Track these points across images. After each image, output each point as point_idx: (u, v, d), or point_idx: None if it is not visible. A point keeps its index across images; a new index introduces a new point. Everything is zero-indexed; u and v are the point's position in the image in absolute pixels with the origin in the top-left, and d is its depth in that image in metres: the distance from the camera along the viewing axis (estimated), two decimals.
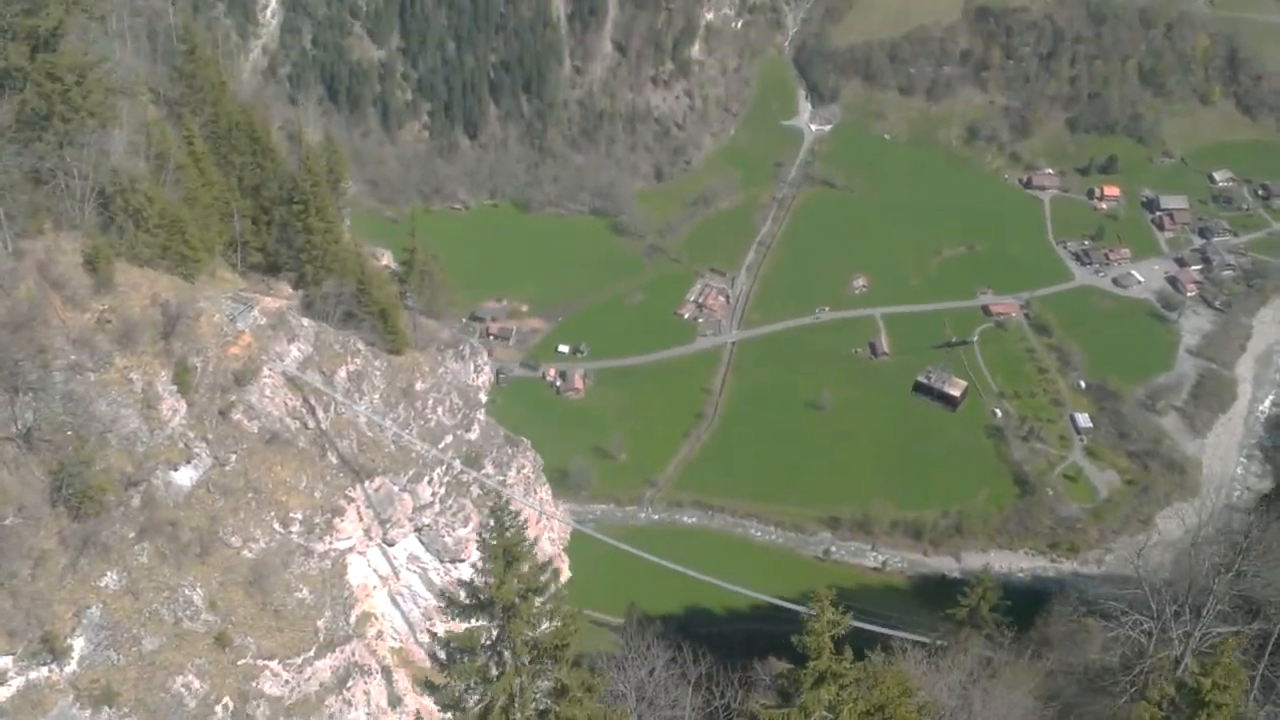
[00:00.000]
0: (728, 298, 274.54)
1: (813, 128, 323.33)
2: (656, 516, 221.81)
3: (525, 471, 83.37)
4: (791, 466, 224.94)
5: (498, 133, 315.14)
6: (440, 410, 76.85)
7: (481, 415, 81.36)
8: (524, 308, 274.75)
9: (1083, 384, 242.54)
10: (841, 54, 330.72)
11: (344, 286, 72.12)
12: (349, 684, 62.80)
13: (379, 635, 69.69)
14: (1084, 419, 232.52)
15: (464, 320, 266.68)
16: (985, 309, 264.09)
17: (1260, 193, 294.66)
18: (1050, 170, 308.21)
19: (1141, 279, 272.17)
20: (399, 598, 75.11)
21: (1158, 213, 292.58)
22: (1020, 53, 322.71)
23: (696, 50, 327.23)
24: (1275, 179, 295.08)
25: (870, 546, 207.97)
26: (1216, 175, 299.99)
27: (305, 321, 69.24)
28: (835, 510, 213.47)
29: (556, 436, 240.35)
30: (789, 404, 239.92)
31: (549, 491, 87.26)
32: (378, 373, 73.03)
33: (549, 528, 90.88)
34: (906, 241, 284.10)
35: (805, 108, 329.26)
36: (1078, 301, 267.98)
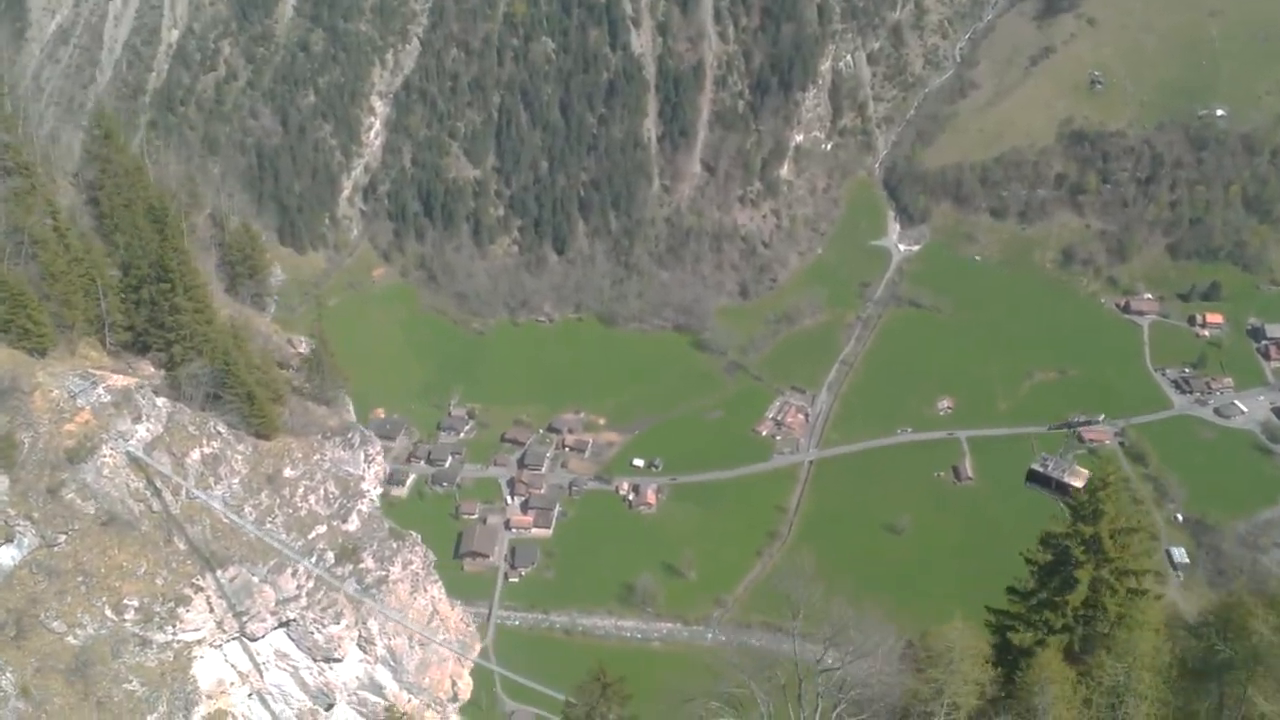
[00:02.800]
0: (807, 416, 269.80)
1: (901, 248, 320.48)
2: (724, 637, 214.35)
3: (413, 568, 78.08)
4: (866, 588, 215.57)
5: (585, 248, 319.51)
6: (313, 499, 72.39)
7: (364, 506, 77.04)
8: (601, 420, 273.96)
9: (1180, 517, 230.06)
10: (932, 175, 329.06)
11: (208, 367, 68.71)
12: None
13: None
14: (1180, 553, 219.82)
15: (540, 431, 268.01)
16: (1079, 436, 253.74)
17: None
18: (1149, 295, 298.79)
19: (1245, 409, 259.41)
20: (268, 697, 71.18)
21: (1263, 341, 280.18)
22: (1117, 177, 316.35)
23: (785, 171, 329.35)
24: None
25: None
26: None
27: (158, 401, 66.09)
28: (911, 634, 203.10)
29: (626, 551, 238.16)
30: (866, 526, 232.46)
31: (442, 590, 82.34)
32: (239, 457, 69.05)
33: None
34: (995, 364, 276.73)
35: (894, 228, 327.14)
36: (1176, 431, 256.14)
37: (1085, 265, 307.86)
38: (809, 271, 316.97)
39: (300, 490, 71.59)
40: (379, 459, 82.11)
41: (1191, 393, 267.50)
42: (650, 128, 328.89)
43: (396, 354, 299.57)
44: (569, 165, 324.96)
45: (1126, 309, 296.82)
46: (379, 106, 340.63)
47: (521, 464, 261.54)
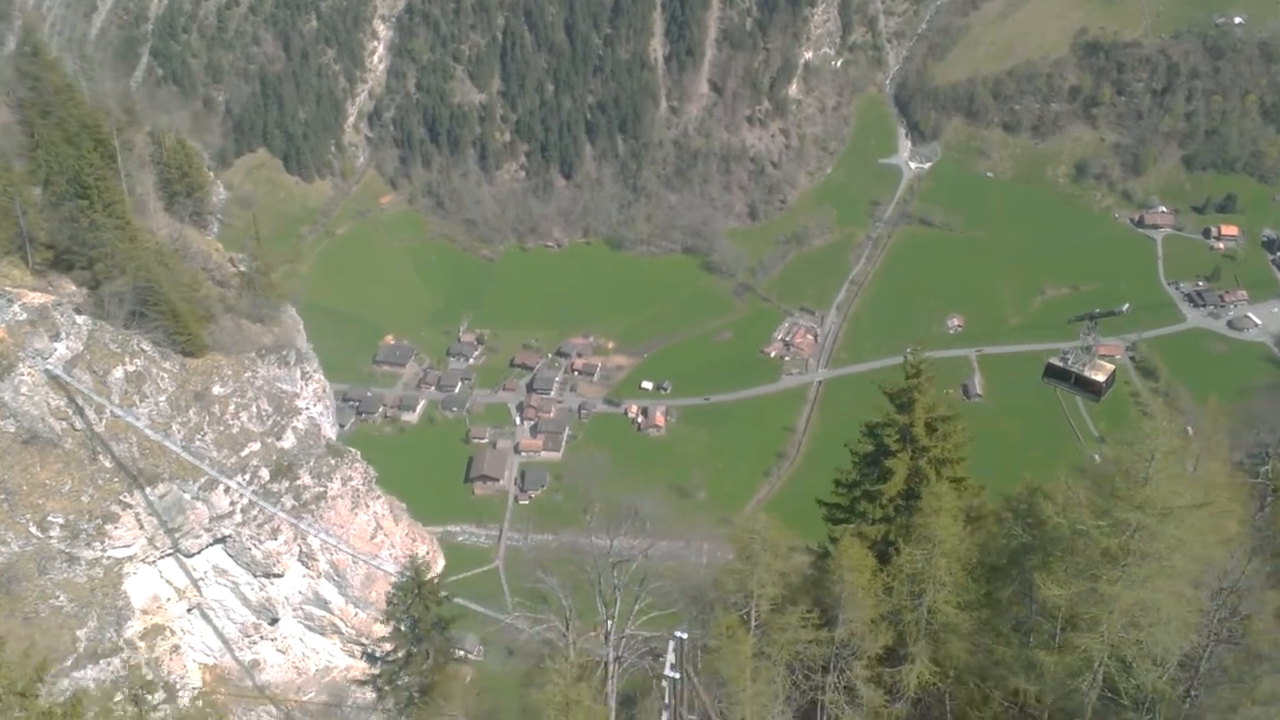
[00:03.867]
0: (816, 336, 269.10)
1: (912, 165, 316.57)
2: (731, 556, 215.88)
3: (354, 484, 77.95)
4: None
5: (593, 172, 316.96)
6: (244, 416, 71.94)
7: (300, 423, 76.59)
8: (610, 344, 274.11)
9: (1190, 430, 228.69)
10: (943, 91, 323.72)
11: (130, 285, 67.46)
12: (116, 697, 59.24)
13: (175, 650, 66.54)
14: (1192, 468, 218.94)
15: (549, 356, 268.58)
16: (1088, 349, 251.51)
17: None
18: (1164, 209, 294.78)
19: (1259, 322, 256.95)
20: (209, 612, 71.89)
21: (1279, 253, 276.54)
22: (1132, 88, 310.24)
23: (794, 89, 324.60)
24: None
25: None
26: None
27: (78, 319, 65.47)
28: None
29: (635, 473, 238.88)
30: None
31: (386, 506, 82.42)
32: (165, 375, 68.41)
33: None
34: (1007, 281, 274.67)
35: (905, 145, 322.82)
36: (1188, 345, 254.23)
37: (1099, 179, 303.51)
38: (818, 191, 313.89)
39: (231, 408, 71.25)
40: (317, 376, 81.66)
41: (1205, 306, 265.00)
42: (657, 48, 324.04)
43: (405, 281, 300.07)
44: (575, 88, 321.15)
45: (1140, 223, 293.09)
46: (382, 30, 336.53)
47: (531, 388, 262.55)
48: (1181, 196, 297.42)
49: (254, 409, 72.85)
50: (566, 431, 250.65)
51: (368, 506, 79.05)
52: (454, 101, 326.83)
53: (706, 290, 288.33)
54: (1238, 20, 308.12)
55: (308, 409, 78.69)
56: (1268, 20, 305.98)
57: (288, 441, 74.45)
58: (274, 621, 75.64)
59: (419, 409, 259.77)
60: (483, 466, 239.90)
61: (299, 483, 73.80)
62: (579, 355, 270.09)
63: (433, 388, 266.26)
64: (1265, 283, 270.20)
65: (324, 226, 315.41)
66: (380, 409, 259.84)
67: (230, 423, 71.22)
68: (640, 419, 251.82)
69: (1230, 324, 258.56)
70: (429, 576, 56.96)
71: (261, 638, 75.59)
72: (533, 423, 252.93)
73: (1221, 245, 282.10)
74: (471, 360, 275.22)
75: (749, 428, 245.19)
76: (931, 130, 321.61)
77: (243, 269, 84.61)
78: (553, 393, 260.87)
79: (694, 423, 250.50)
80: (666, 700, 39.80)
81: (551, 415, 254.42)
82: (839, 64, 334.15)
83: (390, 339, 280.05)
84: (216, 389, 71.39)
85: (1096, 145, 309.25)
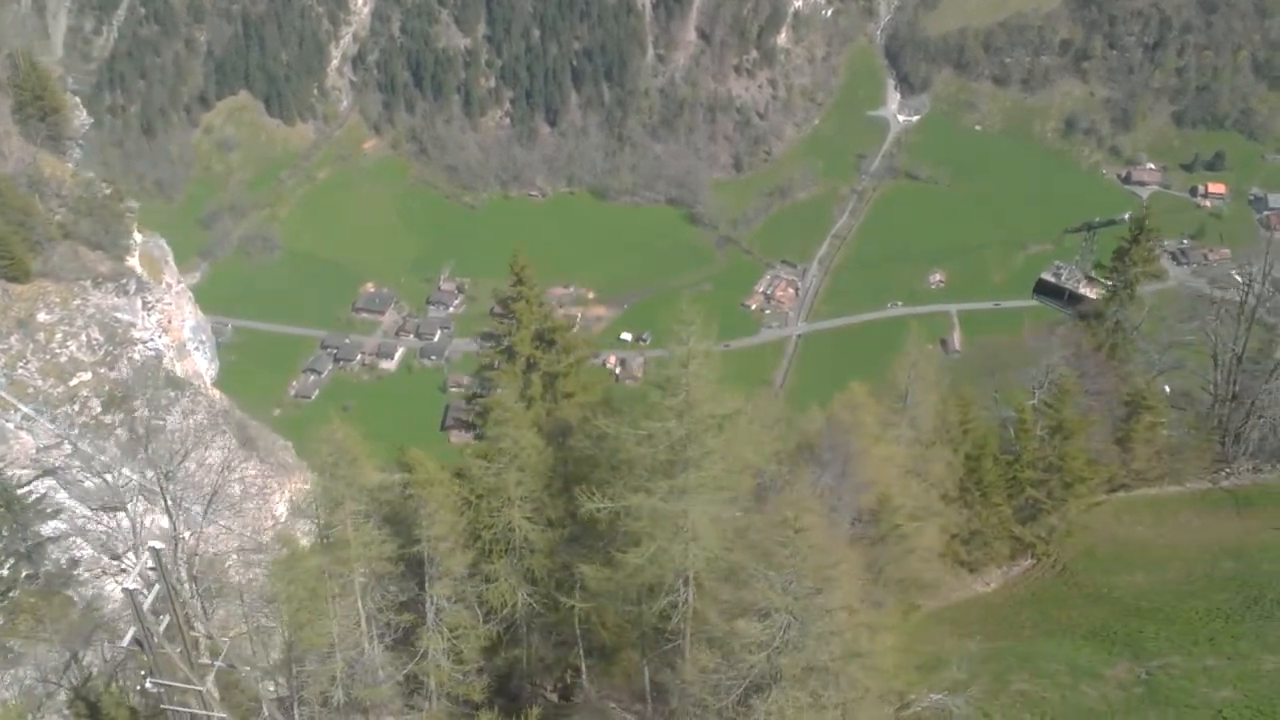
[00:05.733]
0: (797, 290, 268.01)
1: (900, 118, 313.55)
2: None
3: (196, 418, 75.46)
4: None
5: (578, 120, 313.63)
6: (73, 345, 70.25)
7: (137, 354, 74.10)
8: (590, 295, 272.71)
9: (1167, 389, 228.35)
10: (934, 42, 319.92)
11: None
12: None
13: None
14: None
15: None
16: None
17: None
18: (1152, 165, 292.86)
19: (1241, 279, 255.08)
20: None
21: (1265, 212, 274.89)
22: (1124, 42, 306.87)
23: (783, 38, 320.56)
24: None
25: None
26: None
27: None
28: None
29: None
30: None
31: (234, 440, 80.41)
32: None
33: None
34: (991, 237, 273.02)
35: (894, 98, 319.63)
36: (1168, 302, 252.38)
37: (1088, 134, 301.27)
38: (805, 143, 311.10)
39: (58, 336, 69.40)
40: (161, 306, 79.51)
41: (1189, 264, 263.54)
42: None
43: (387, 228, 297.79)
44: (561, 34, 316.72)
45: (1128, 179, 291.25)
46: None
47: None
48: (1170, 153, 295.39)
49: (84, 338, 70.71)
50: None
51: (211, 443, 76.57)
52: (439, 46, 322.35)
53: (689, 242, 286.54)
54: None
55: (152, 339, 76.28)
56: None
57: (122, 372, 72.13)
58: (116, 556, 74.07)
59: (397, 357, 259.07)
60: (458, 414, 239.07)
61: (135, 415, 71.61)
62: (559, 305, 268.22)
63: (411, 335, 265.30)
64: (1250, 241, 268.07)
65: (305, 171, 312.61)
66: (358, 356, 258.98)
67: (57, 351, 69.20)
68: (619, 370, 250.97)
69: (1212, 281, 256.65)
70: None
71: None
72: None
73: (1208, 203, 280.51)
74: (451, 309, 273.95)
75: (727, 381, 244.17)
76: (921, 82, 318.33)
77: (85, 194, 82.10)
78: None
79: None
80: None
81: None
82: (829, 13, 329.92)
83: (370, 286, 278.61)
84: (42, 316, 69.49)
85: (1086, 100, 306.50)
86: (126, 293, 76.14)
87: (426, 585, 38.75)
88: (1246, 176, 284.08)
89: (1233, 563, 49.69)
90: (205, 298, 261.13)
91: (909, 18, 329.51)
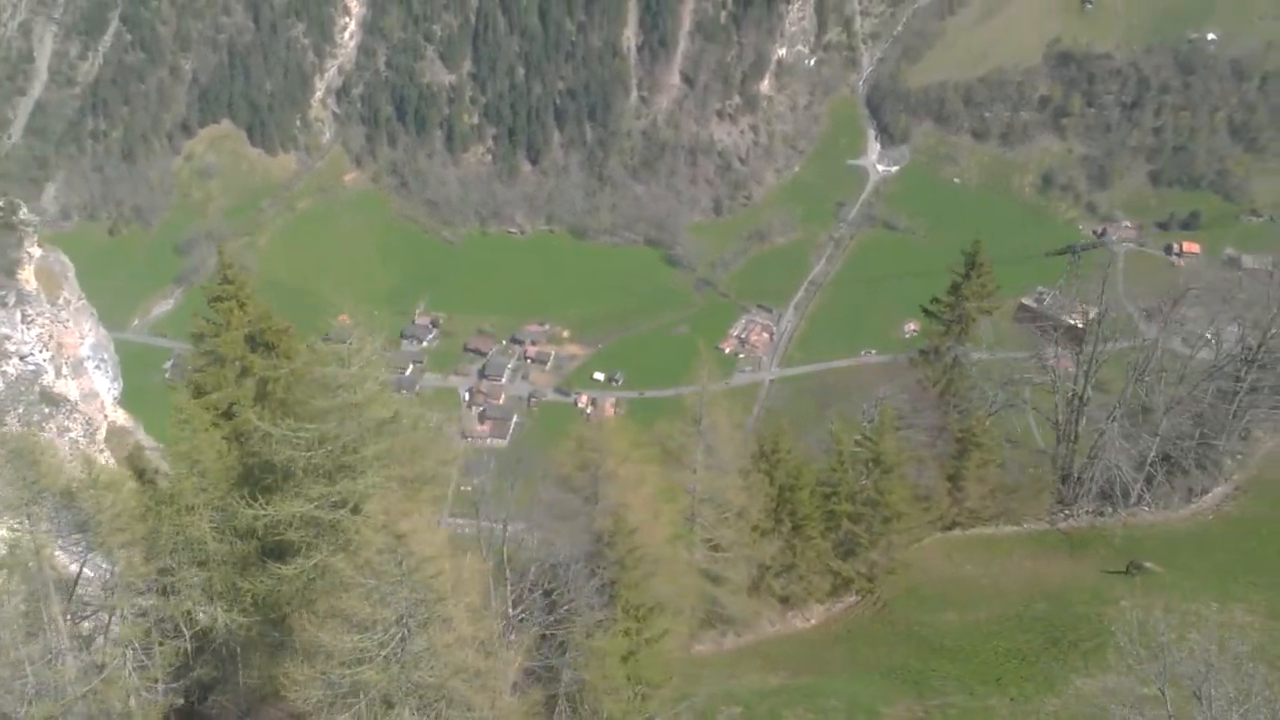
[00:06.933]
0: (772, 334, 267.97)
1: (879, 168, 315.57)
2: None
3: (72, 435, 73.78)
4: None
5: (559, 159, 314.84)
6: None
7: (12, 368, 72.20)
8: (565, 333, 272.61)
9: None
10: (915, 94, 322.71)
11: None
12: None
13: None
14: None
15: (503, 342, 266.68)
16: (1041, 361, 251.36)
17: None
18: (1128, 223, 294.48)
19: (1210, 337, 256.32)
20: None
21: (1239, 272, 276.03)
22: (1102, 100, 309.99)
23: (766, 85, 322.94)
24: None
25: None
26: None
27: None
28: None
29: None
30: None
31: (113, 460, 78.13)
32: None
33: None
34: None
35: (874, 148, 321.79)
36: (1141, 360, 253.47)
37: (1065, 190, 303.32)
38: (784, 189, 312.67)
39: None
40: (43, 321, 77.85)
41: (1161, 321, 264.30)
42: (630, 37, 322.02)
43: (365, 260, 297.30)
44: (546, 73, 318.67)
45: (1103, 235, 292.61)
46: (354, 6, 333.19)
47: (482, 374, 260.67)
48: (1146, 211, 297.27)
49: None
50: (515, 418, 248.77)
51: (93, 462, 74.51)
52: (423, 81, 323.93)
53: (666, 283, 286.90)
54: (1210, 37, 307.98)
55: (31, 354, 74.41)
56: (1241, 37, 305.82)
57: None
58: None
59: None
60: None
61: (4, 429, 69.87)
62: (533, 343, 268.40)
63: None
64: (1220, 301, 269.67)
65: (285, 201, 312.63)
66: None
67: None
68: (590, 409, 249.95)
69: (1184, 340, 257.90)
70: None
71: None
72: (481, 408, 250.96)
73: (1182, 262, 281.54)
74: (425, 343, 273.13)
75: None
76: (901, 134, 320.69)
77: None
78: (504, 379, 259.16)
79: (643, 415, 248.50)
80: None
81: (501, 401, 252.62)
82: (812, 62, 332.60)
83: (344, 318, 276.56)
84: None
85: (1064, 156, 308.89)
86: (5, 305, 74.52)
87: (108, 596, 36.48)
88: (1221, 237, 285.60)
89: (1047, 604, 49.50)
90: (178, 324, 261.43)
91: (891, 70, 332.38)
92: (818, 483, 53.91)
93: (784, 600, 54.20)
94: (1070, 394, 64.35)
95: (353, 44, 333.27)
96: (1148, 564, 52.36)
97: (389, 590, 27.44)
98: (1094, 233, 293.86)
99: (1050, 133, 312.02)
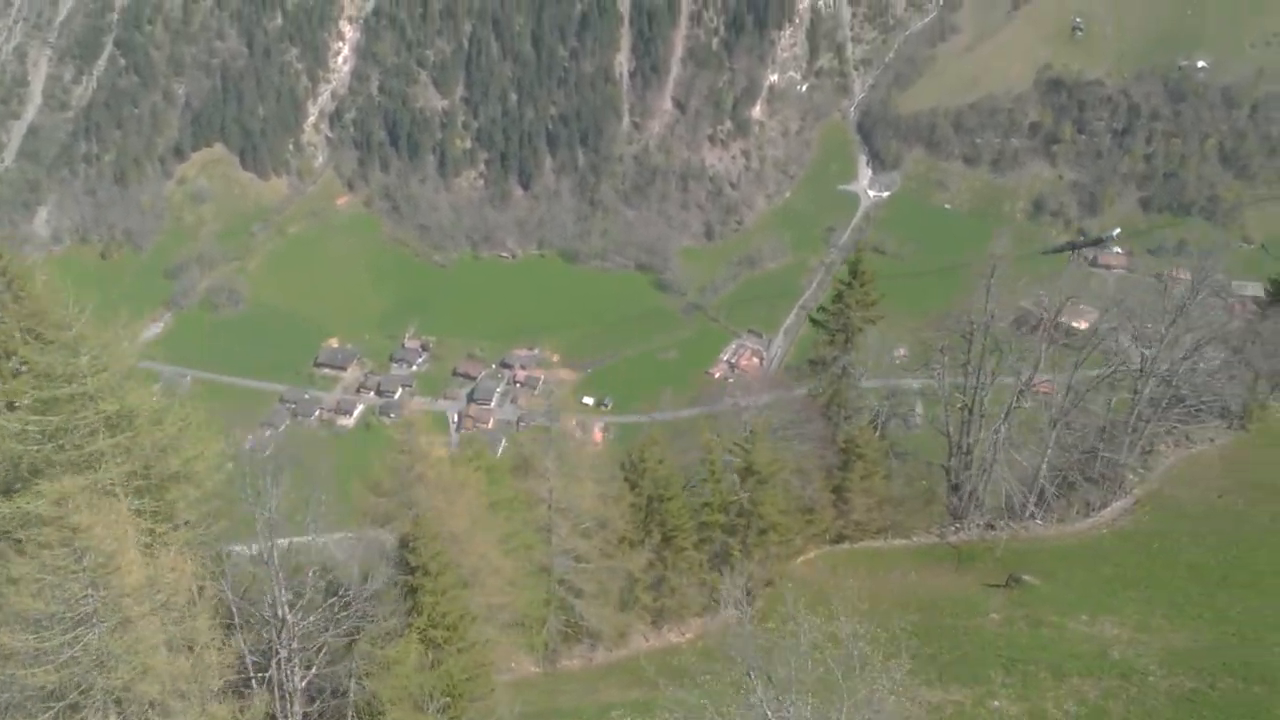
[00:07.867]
0: (761, 360, 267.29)
1: (870, 194, 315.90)
2: None
3: None
4: None
5: (551, 184, 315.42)
6: None
7: None
8: (555, 357, 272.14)
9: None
10: (906, 120, 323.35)
11: None
12: None
13: None
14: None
15: (493, 367, 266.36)
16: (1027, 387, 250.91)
17: None
18: (1119, 250, 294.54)
19: (1201, 364, 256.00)
20: None
21: (1230, 299, 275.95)
22: (1093, 127, 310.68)
23: (758, 111, 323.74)
24: None
25: None
26: None
27: None
28: None
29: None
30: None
31: None
32: None
33: None
34: (957, 313, 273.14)
35: (865, 173, 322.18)
36: (1130, 383, 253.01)
37: (1055, 216, 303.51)
38: (775, 214, 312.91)
39: None
40: None
41: (1150, 347, 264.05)
42: (622, 62, 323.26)
43: (356, 284, 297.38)
44: (538, 98, 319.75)
45: (1094, 263, 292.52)
46: (348, 32, 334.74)
47: (471, 398, 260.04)
48: (1137, 238, 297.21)
49: None
50: (502, 443, 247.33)
51: None
52: (416, 106, 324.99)
53: (656, 308, 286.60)
54: (1201, 64, 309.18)
55: None
56: (1231, 64, 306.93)
57: None
58: None
59: (356, 414, 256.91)
60: None
61: None
62: (522, 367, 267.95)
63: (372, 393, 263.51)
64: (1207, 326, 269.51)
65: (276, 225, 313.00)
66: (316, 412, 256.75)
67: None
68: (578, 434, 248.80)
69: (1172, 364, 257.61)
70: None
71: None
72: (468, 433, 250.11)
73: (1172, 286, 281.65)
74: (415, 367, 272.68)
75: (685, 448, 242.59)
76: (892, 159, 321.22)
77: None
78: (493, 404, 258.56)
79: (631, 440, 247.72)
80: None
81: (489, 426, 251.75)
82: (804, 88, 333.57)
83: (334, 342, 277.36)
84: None
85: (1055, 182, 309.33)
86: None
87: None
88: (1213, 263, 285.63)
89: (918, 616, 48.96)
90: (166, 348, 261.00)
91: (882, 96, 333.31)
92: (689, 493, 53.09)
93: (658, 614, 53.09)
94: (960, 405, 62.53)
95: (346, 69, 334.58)
96: (1026, 577, 52.04)
97: (61, 585, 25.82)
98: (1085, 259, 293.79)
99: (1041, 159, 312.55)
